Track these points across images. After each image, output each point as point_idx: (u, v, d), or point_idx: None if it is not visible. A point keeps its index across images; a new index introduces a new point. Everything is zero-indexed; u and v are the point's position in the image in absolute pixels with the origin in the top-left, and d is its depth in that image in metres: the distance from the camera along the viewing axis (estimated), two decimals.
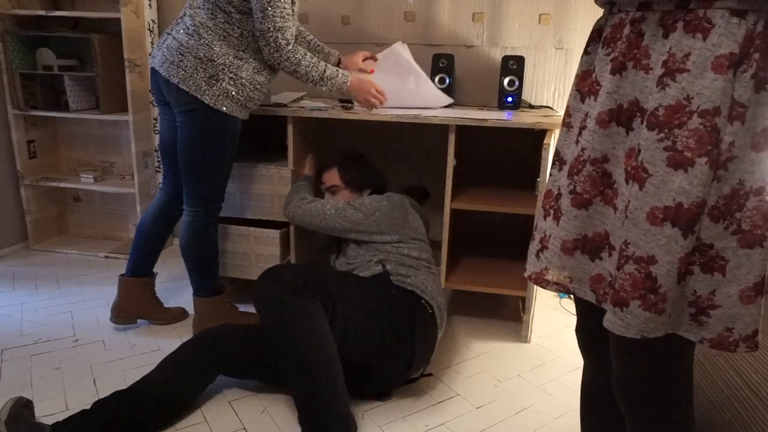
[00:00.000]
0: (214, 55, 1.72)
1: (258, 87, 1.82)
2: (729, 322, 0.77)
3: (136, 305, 2.03)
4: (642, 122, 0.79)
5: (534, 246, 0.98)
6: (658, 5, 0.76)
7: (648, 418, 0.87)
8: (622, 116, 0.82)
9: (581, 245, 0.88)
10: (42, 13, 2.52)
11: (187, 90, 1.72)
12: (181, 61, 1.72)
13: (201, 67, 1.72)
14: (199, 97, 1.73)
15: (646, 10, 0.78)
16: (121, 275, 2.02)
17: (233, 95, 1.76)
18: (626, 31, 0.80)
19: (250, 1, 1.69)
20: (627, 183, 0.80)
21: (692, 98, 0.73)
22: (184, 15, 1.77)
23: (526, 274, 0.98)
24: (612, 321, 0.80)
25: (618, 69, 0.81)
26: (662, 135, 0.75)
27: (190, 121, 1.78)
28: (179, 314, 2.12)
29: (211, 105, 1.74)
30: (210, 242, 1.92)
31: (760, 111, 0.72)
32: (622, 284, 0.79)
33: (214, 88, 1.74)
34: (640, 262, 0.77)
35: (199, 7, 1.73)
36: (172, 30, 1.78)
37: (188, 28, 1.73)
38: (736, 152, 0.73)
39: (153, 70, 1.80)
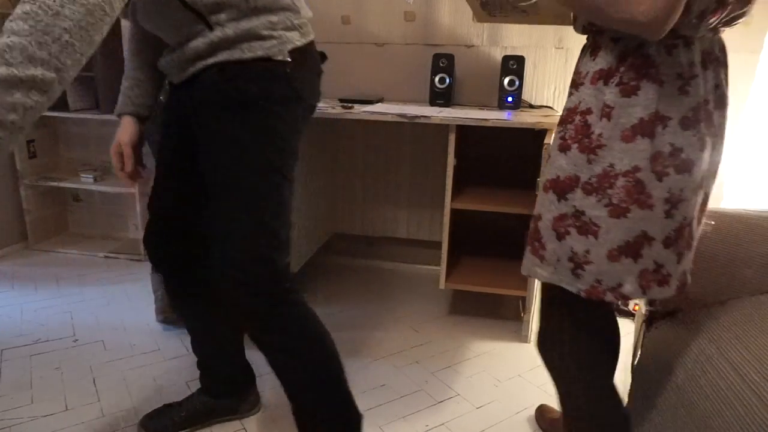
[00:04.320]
0: None
1: None
2: (598, 275, 0.95)
3: None
4: None
5: None
6: (588, 35, 0.99)
7: (545, 361, 1.12)
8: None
9: None
10: None
11: None
12: None
13: None
14: None
15: (588, 38, 1.01)
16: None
17: None
18: (581, 54, 1.03)
19: None
20: None
21: (581, 103, 0.97)
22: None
23: None
24: (522, 265, 1.08)
25: (573, 84, 1.02)
26: (560, 128, 1.00)
27: None
28: None
29: None
30: None
31: (630, 111, 0.90)
32: (528, 235, 1.07)
33: None
34: (536, 220, 1.04)
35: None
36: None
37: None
38: (604, 141, 0.92)
39: None
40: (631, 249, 0.93)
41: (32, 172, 2.78)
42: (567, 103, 1.01)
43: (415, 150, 2.52)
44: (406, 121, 1.95)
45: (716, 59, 0.94)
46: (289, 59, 1.14)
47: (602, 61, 0.93)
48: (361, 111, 2.02)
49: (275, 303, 1.16)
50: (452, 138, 1.94)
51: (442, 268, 2.07)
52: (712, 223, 1.25)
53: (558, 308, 1.07)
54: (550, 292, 1.07)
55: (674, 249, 0.96)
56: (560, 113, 1.05)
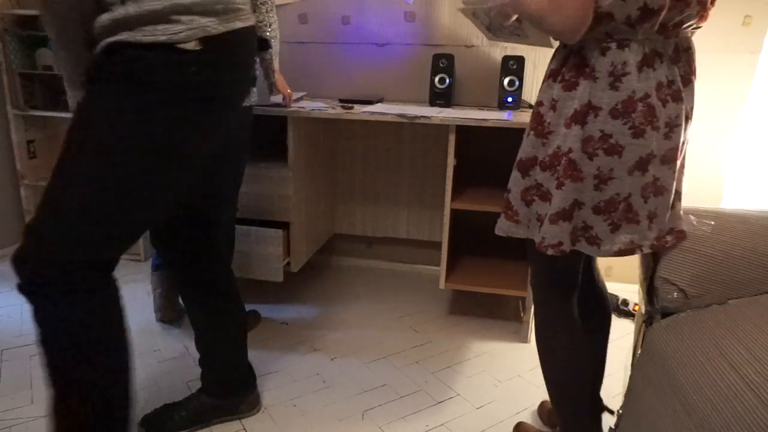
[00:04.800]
0: None
1: None
2: (544, 234, 1.16)
3: None
4: None
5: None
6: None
7: (537, 301, 1.33)
8: None
9: None
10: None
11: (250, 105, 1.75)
12: None
13: None
14: (247, 104, 1.77)
15: None
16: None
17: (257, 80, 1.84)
18: None
19: None
20: None
21: (538, 98, 1.18)
22: None
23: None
24: (497, 227, 1.30)
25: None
26: (531, 118, 1.21)
27: (247, 126, 1.79)
28: (253, 321, 2.13)
29: (253, 104, 1.79)
30: (234, 237, 1.97)
31: (569, 103, 1.10)
32: (503, 204, 1.29)
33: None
34: (507, 193, 1.26)
35: None
36: None
37: None
38: (552, 128, 1.14)
39: None
40: (566, 214, 1.13)
41: (32, 172, 2.78)
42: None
43: (415, 150, 2.52)
44: (406, 121, 1.95)
45: (670, 59, 1.07)
46: (198, 48, 1.03)
47: (554, 62, 1.15)
48: (361, 111, 2.02)
49: (48, 291, 1.08)
50: (452, 138, 1.94)
51: (442, 268, 2.07)
52: (712, 223, 1.25)
53: (537, 260, 1.29)
54: (532, 250, 1.27)
55: (605, 217, 1.12)
56: None
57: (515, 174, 1.23)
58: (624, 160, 1.08)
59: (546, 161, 1.15)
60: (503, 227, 1.27)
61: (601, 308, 1.42)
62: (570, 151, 1.10)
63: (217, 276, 1.47)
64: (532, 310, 2.03)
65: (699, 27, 1.10)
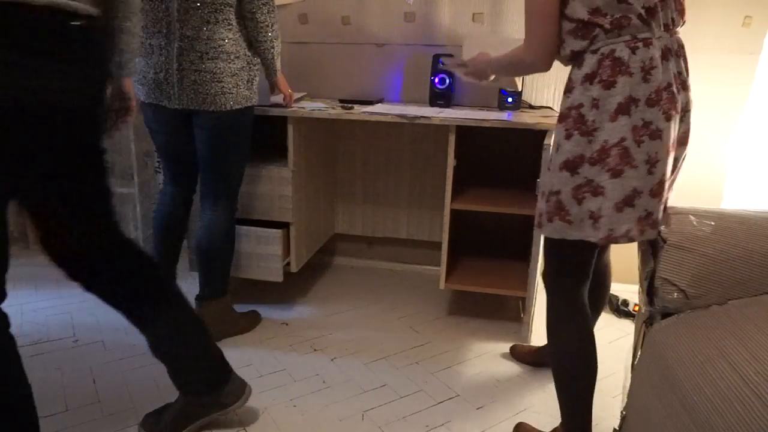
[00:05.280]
0: (242, 60, 1.73)
1: None
2: (611, 225, 1.22)
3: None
4: None
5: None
6: (573, 57, 1.28)
7: (551, 293, 1.39)
8: None
9: None
10: None
11: (240, 106, 1.75)
12: (223, 87, 1.70)
13: (240, 78, 1.73)
14: (250, 104, 1.78)
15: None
16: None
17: (258, 80, 1.83)
18: (571, 69, 1.31)
19: None
20: None
21: (574, 101, 1.24)
22: (188, 38, 1.68)
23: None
24: (549, 230, 1.32)
25: (566, 90, 1.30)
26: (562, 123, 1.27)
27: (236, 127, 1.79)
28: (253, 320, 2.11)
29: (255, 104, 1.81)
30: (234, 238, 1.96)
31: (611, 99, 1.19)
32: (550, 209, 1.31)
33: (254, 86, 1.79)
34: (556, 195, 1.28)
35: (208, 22, 1.67)
36: (182, 65, 1.69)
37: (208, 53, 1.68)
38: (597, 125, 1.21)
39: (182, 110, 1.74)
40: (629, 201, 1.21)
41: None
42: (564, 104, 1.27)
43: (415, 150, 2.53)
44: (406, 121, 1.95)
45: (676, 53, 1.22)
46: None
47: (586, 67, 1.22)
48: (361, 111, 2.02)
49: None
50: (452, 138, 1.94)
51: (442, 268, 2.07)
52: (712, 223, 1.25)
53: (556, 254, 1.36)
54: (553, 246, 1.36)
55: (659, 199, 1.21)
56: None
57: (563, 174, 1.26)
58: (664, 141, 1.19)
59: (594, 156, 1.22)
60: (557, 228, 1.29)
61: (602, 285, 1.59)
62: (623, 139, 1.18)
63: (148, 281, 1.41)
64: (533, 308, 2.03)
65: (684, 22, 1.25)
